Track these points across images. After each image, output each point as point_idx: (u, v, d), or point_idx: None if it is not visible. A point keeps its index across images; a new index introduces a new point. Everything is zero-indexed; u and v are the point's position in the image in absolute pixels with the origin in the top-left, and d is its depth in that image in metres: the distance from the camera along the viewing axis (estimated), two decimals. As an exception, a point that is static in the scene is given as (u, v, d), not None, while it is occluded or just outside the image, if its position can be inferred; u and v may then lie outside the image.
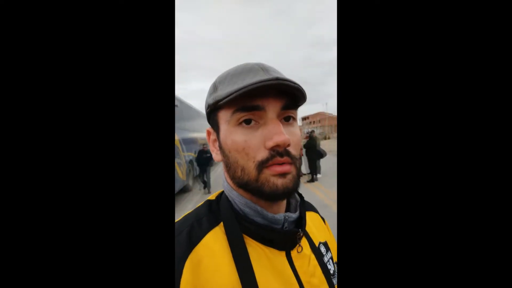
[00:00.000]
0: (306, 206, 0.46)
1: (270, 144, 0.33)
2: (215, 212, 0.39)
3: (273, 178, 0.34)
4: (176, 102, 6.29)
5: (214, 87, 0.38)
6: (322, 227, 0.49)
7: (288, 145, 0.33)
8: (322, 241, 0.45)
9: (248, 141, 0.34)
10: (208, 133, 0.40)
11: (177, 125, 6.20)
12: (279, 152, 0.33)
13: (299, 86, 0.34)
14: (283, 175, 0.34)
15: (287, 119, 0.36)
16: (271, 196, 0.34)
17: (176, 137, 5.91)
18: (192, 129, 7.69)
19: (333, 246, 0.47)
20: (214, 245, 0.35)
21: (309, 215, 0.48)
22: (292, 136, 0.35)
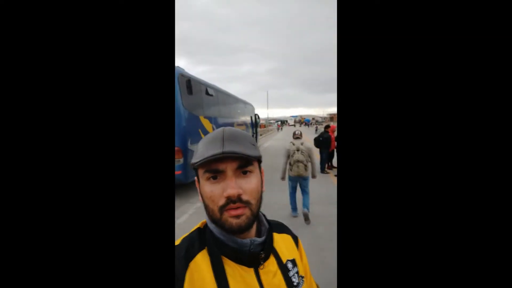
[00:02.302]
0: (279, 230, 0.61)
1: (225, 195, 0.46)
2: (202, 238, 0.52)
3: (230, 219, 0.46)
4: (211, 92, 6.56)
5: (196, 149, 0.51)
6: (291, 247, 0.60)
7: (240, 194, 0.46)
8: (290, 258, 0.57)
9: (213, 191, 0.47)
10: (196, 181, 0.53)
11: (213, 111, 6.50)
12: (232, 200, 0.45)
13: (243, 154, 0.46)
14: (237, 216, 0.46)
15: (244, 173, 0.48)
16: (229, 231, 0.47)
17: (210, 124, 6.19)
18: (227, 115, 8.01)
19: (301, 262, 0.60)
20: (201, 263, 0.48)
21: (281, 237, 0.60)
22: (247, 185, 0.47)
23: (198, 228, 0.54)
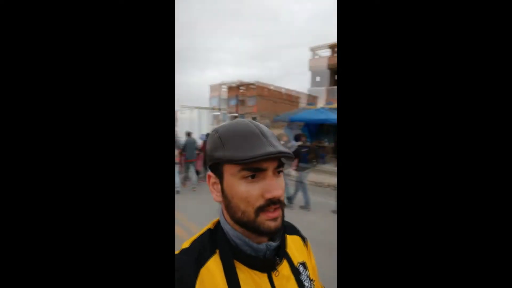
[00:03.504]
0: (289, 231, 0.59)
1: (269, 196, 0.43)
2: (214, 240, 0.49)
3: (268, 221, 0.43)
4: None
5: (221, 143, 0.46)
6: (302, 249, 0.59)
7: (281, 195, 0.44)
8: (301, 261, 0.55)
9: (250, 191, 0.43)
10: (209, 176, 0.49)
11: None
12: (273, 201, 0.43)
13: (291, 154, 0.44)
14: (275, 219, 0.44)
15: (279, 172, 0.46)
16: (266, 234, 0.45)
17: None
18: None
19: (311, 264, 0.58)
20: (213, 269, 0.45)
21: (292, 238, 0.58)
22: (282, 184, 0.45)
23: (209, 229, 0.51)
